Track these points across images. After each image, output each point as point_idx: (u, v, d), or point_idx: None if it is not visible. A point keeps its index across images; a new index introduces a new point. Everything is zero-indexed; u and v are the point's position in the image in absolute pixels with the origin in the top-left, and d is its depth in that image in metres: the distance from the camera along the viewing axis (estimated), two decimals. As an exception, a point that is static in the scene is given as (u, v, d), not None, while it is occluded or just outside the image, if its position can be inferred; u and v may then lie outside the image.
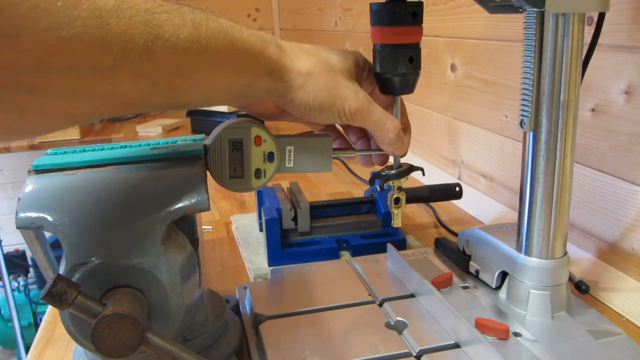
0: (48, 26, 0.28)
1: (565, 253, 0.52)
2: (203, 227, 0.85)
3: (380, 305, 0.55)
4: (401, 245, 0.72)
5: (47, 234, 0.43)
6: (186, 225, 0.47)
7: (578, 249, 0.69)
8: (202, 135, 0.51)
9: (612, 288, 0.61)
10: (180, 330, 0.44)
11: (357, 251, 0.70)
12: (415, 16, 0.47)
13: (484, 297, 0.56)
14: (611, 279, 0.63)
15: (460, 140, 0.98)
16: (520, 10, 0.48)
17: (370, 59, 0.50)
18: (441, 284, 0.57)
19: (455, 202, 0.89)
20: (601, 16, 0.53)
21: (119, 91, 0.34)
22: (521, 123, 0.50)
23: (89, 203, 0.41)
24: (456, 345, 0.48)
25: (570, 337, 0.49)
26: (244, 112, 0.52)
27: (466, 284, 0.59)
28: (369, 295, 0.57)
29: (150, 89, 0.35)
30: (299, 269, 0.63)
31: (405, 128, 0.52)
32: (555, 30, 0.46)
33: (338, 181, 1.08)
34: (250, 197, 0.98)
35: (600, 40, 0.53)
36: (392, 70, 0.48)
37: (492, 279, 0.57)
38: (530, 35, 0.48)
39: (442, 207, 0.89)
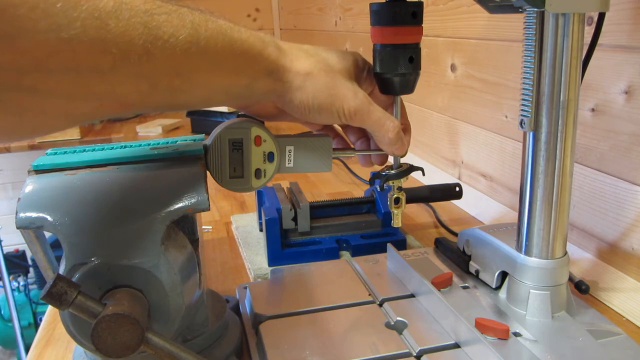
0: (47, 27, 0.28)
1: (565, 253, 0.52)
2: (203, 227, 0.85)
3: (380, 305, 0.55)
4: (401, 245, 0.72)
5: (47, 234, 0.43)
6: (186, 225, 0.47)
7: (578, 249, 0.69)
8: (202, 135, 0.52)
9: (612, 288, 0.61)
10: (180, 330, 0.44)
11: (357, 251, 0.70)
12: (415, 16, 0.47)
13: (484, 297, 0.56)
14: (611, 279, 0.63)
15: (460, 140, 0.98)
16: (520, 10, 0.48)
17: (371, 59, 0.50)
18: (441, 284, 0.57)
19: (455, 202, 0.89)
20: (601, 16, 0.53)
21: (118, 92, 0.34)
22: (521, 123, 0.50)
23: (89, 203, 0.41)
24: (456, 345, 0.48)
25: (570, 337, 0.49)
26: (243, 112, 0.52)
27: (466, 284, 0.59)
28: (369, 295, 0.57)
29: (150, 89, 0.36)
30: (299, 269, 0.63)
31: (405, 128, 0.52)
32: (555, 30, 0.46)
33: (338, 181, 1.08)
34: (250, 197, 0.98)
35: (600, 40, 0.53)
36: (392, 70, 0.48)
37: (492, 279, 0.57)
38: (530, 35, 0.48)
39: (442, 207, 0.89)
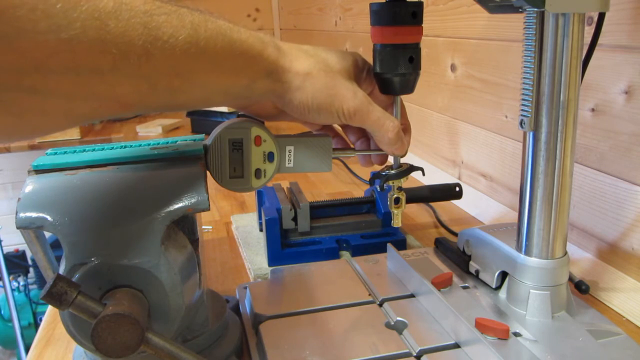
0: (47, 28, 0.28)
1: (565, 253, 0.52)
2: (203, 227, 0.85)
3: (380, 305, 0.55)
4: (401, 245, 0.72)
5: (47, 234, 0.43)
6: (186, 225, 0.47)
7: (578, 249, 0.69)
8: (202, 135, 0.52)
9: (612, 288, 0.61)
10: (180, 330, 0.44)
11: (357, 251, 0.70)
12: (415, 16, 0.47)
13: (484, 297, 0.56)
14: (611, 279, 0.63)
15: (460, 140, 0.98)
16: (520, 10, 0.48)
17: (371, 59, 0.50)
18: (441, 284, 0.57)
19: (455, 202, 0.89)
20: (601, 16, 0.53)
21: (118, 92, 0.34)
22: (521, 123, 0.50)
23: (88, 203, 0.41)
24: (456, 345, 0.48)
25: (570, 337, 0.49)
26: (243, 112, 0.52)
27: (466, 284, 0.59)
28: (369, 295, 0.57)
29: (149, 90, 0.36)
30: (299, 269, 0.63)
31: (405, 128, 0.52)
32: (555, 30, 0.46)
33: (338, 181, 1.08)
34: (250, 197, 0.98)
35: (600, 40, 0.53)
36: (392, 70, 0.48)
37: (492, 279, 0.57)
38: (530, 35, 0.48)
39: (442, 207, 0.89)
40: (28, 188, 0.42)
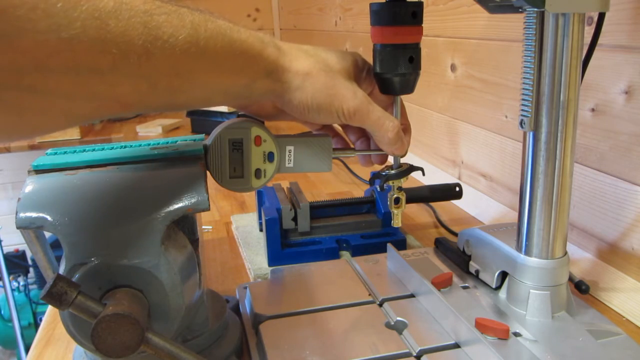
0: (47, 27, 0.28)
1: (565, 253, 0.52)
2: (203, 227, 0.85)
3: (380, 305, 0.55)
4: (401, 245, 0.72)
5: (47, 234, 0.43)
6: (186, 225, 0.47)
7: (578, 249, 0.69)
8: (202, 135, 0.51)
9: (612, 288, 0.61)
10: (180, 330, 0.44)
11: (357, 251, 0.70)
12: (415, 16, 0.47)
13: (484, 297, 0.56)
14: (611, 279, 0.63)
15: (460, 140, 0.98)
16: (520, 10, 0.48)
17: (371, 59, 0.50)
18: (441, 284, 0.57)
19: (455, 202, 0.89)
20: (601, 16, 0.53)
21: (118, 92, 0.34)
22: (521, 123, 0.50)
23: (88, 203, 0.41)
24: (456, 345, 0.48)
25: (570, 337, 0.49)
26: (243, 112, 0.52)
27: (466, 284, 0.59)
28: (369, 295, 0.57)
29: (149, 89, 0.36)
30: (299, 269, 0.63)
31: (405, 128, 0.52)
32: (555, 30, 0.46)
33: (338, 181, 1.08)
34: (250, 197, 0.98)
35: (600, 40, 0.53)
36: (392, 70, 0.48)
37: (492, 279, 0.57)
38: (530, 35, 0.48)
39: (442, 207, 0.89)
40: (28, 188, 0.42)
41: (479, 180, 0.93)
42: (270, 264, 0.68)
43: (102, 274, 0.39)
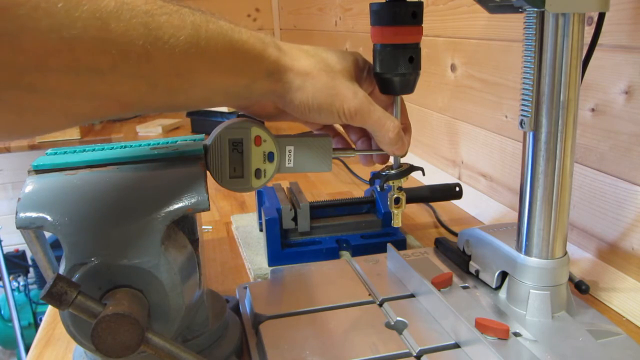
0: (49, 27, 0.28)
1: (565, 253, 0.52)
2: (203, 227, 0.85)
3: (380, 305, 0.55)
4: (401, 245, 0.72)
5: (47, 234, 0.43)
6: (186, 225, 0.47)
7: (578, 249, 0.69)
8: (202, 135, 0.52)
9: (612, 288, 0.61)
10: (180, 330, 0.44)
11: (357, 251, 0.70)
12: (415, 16, 0.47)
13: (484, 297, 0.56)
14: (611, 279, 0.63)
15: (460, 140, 0.98)
16: (520, 10, 0.48)
17: (371, 59, 0.50)
18: (441, 284, 0.57)
19: (455, 202, 0.89)
20: (601, 16, 0.53)
21: (118, 92, 0.34)
22: (521, 123, 0.50)
23: (88, 203, 0.41)
24: (456, 345, 0.48)
25: (570, 337, 0.49)
26: (243, 112, 0.52)
27: (466, 284, 0.59)
28: (369, 295, 0.57)
29: (149, 90, 0.36)
30: (299, 269, 0.63)
31: (406, 128, 0.52)
32: (555, 30, 0.46)
33: (338, 181, 1.08)
34: (250, 197, 0.98)
35: (600, 40, 0.53)
36: (392, 70, 0.48)
37: (492, 279, 0.57)
38: (530, 35, 0.48)
39: (442, 207, 0.89)
40: (28, 188, 0.42)
41: (479, 180, 0.93)
42: (270, 264, 0.68)
43: (102, 274, 0.39)
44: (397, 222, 0.55)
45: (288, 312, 0.53)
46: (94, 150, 0.48)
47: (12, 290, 2.13)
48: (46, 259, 0.48)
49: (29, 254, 2.44)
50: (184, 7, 0.37)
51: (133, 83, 0.34)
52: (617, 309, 0.58)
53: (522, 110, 0.49)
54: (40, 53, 0.29)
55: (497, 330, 0.48)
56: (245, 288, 0.60)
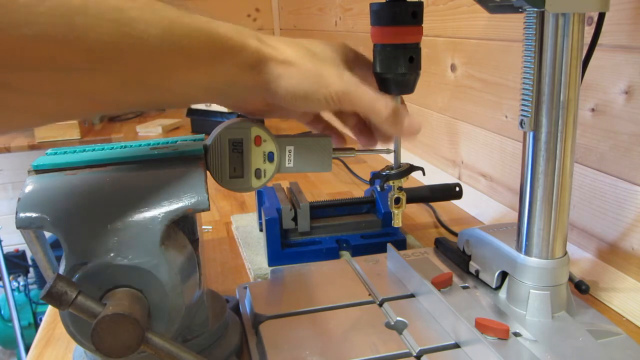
0: (9, 24, 0.28)
1: (565, 253, 0.52)
2: (203, 227, 0.85)
3: (380, 305, 0.55)
4: (401, 245, 0.72)
5: (47, 234, 0.43)
6: (186, 225, 0.47)
7: (578, 249, 0.69)
8: (202, 135, 0.51)
9: (612, 288, 0.61)
10: (180, 330, 0.44)
11: (357, 251, 0.70)
12: (415, 16, 0.47)
13: (484, 297, 0.56)
14: (611, 279, 0.63)
15: (460, 140, 0.98)
16: (520, 10, 0.48)
17: (371, 59, 0.50)
18: (441, 284, 0.57)
19: (455, 202, 0.89)
20: (601, 16, 0.53)
21: (90, 90, 0.33)
22: (521, 123, 0.50)
23: (88, 203, 0.41)
24: (456, 345, 0.48)
25: (570, 337, 0.49)
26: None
27: (466, 284, 0.59)
28: (369, 295, 0.57)
29: (123, 87, 0.35)
30: (299, 269, 0.63)
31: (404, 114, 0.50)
32: (555, 30, 0.46)
33: (338, 181, 1.08)
34: (250, 197, 0.98)
35: (600, 40, 0.53)
36: (392, 70, 0.48)
37: (492, 279, 0.57)
38: (530, 35, 0.48)
39: (442, 207, 0.89)
40: (28, 188, 0.42)
41: (479, 180, 0.93)
42: (270, 264, 0.68)
43: (102, 274, 0.39)
44: (397, 222, 0.55)
45: (288, 312, 0.53)
46: (94, 150, 0.48)
47: (12, 290, 2.13)
48: (46, 259, 0.48)
49: (29, 254, 2.44)
50: (157, 2, 0.35)
51: (105, 80, 0.33)
52: (617, 309, 0.58)
53: (522, 110, 0.49)
54: (3, 50, 0.28)
55: (497, 330, 0.48)
56: (245, 288, 0.60)
